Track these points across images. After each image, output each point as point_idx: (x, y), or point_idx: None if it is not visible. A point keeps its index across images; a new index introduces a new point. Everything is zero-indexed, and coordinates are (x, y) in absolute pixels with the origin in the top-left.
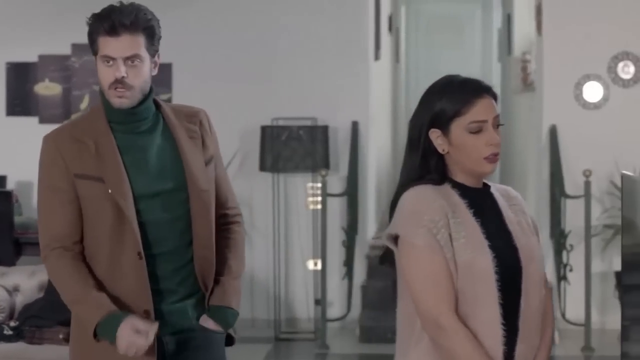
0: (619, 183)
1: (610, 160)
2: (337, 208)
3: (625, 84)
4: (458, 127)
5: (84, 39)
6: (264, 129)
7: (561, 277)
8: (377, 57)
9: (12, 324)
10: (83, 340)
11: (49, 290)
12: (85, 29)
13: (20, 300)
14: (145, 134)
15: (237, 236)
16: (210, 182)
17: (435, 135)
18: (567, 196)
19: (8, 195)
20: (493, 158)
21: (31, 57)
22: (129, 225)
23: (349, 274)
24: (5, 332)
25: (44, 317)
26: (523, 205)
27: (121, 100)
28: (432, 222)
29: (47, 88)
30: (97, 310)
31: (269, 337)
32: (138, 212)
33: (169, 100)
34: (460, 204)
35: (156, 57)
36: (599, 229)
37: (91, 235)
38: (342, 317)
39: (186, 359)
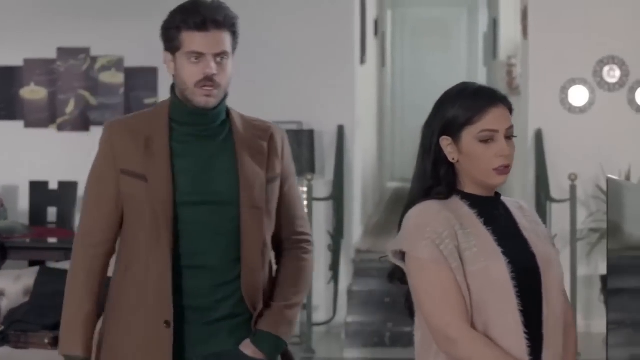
0: (604, 187)
1: (596, 164)
2: (322, 212)
3: (610, 88)
4: (469, 135)
5: (69, 42)
6: None
7: None
8: (363, 61)
9: None
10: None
11: (35, 294)
12: (71, 33)
13: (5, 304)
14: (206, 139)
15: (303, 263)
16: (270, 201)
17: (446, 143)
18: (553, 200)
19: None
20: (503, 170)
21: (17, 61)
22: (163, 232)
23: (335, 278)
24: None
25: (29, 321)
26: (534, 216)
27: (208, 99)
28: (435, 233)
29: (32, 92)
30: (69, 341)
31: None
32: (177, 219)
33: (154, 104)
34: (470, 214)
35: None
36: (584, 233)
37: (131, 236)
38: (328, 321)
39: None
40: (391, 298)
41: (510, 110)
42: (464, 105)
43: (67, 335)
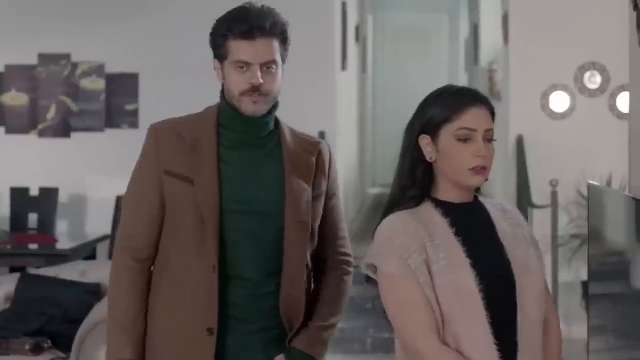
0: (585, 192)
1: (577, 170)
2: None
3: (591, 93)
4: (447, 133)
5: (50, 48)
6: None
7: None
8: (343, 67)
9: None
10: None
11: (15, 300)
12: (52, 39)
13: None
14: (254, 148)
15: (342, 284)
16: (314, 218)
17: (425, 141)
18: (534, 206)
19: None
20: (479, 170)
21: None
22: (209, 237)
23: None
24: None
25: (10, 327)
26: (518, 218)
27: (255, 107)
28: (403, 247)
29: (13, 98)
30: (118, 345)
31: None
32: (221, 226)
33: (135, 110)
34: (441, 223)
35: (284, 63)
36: (565, 239)
37: (171, 237)
38: None
39: None
40: (372, 304)
41: (492, 113)
42: (443, 103)
43: (115, 340)
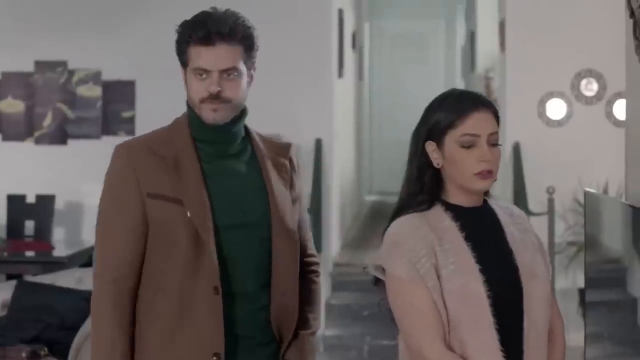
0: (582, 200)
1: (574, 177)
2: None
3: (588, 101)
4: (451, 139)
5: (47, 56)
6: None
7: None
8: (340, 74)
9: None
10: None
11: (12, 308)
12: (48, 46)
13: None
14: (231, 159)
15: (317, 288)
16: (296, 222)
17: (431, 148)
18: (531, 213)
19: None
20: (485, 174)
21: None
22: (208, 256)
23: None
24: None
25: (6, 335)
26: (526, 223)
27: (215, 115)
28: (413, 251)
29: (10, 105)
30: None
31: None
32: (216, 244)
33: (132, 118)
34: (451, 227)
35: (252, 70)
36: (562, 246)
37: (160, 263)
38: None
39: None
40: (369, 311)
41: (497, 116)
42: (446, 109)
43: None
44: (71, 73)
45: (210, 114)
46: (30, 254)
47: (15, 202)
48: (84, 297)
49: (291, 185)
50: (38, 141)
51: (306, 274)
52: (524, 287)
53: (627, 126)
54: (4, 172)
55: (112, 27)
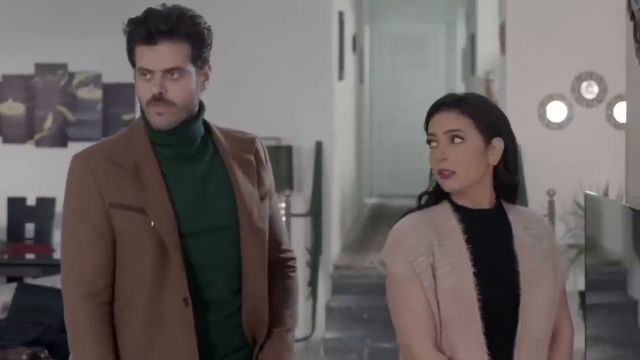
0: (582, 203)
1: (574, 180)
2: (301, 228)
3: (588, 103)
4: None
5: (47, 58)
6: None
7: None
8: (341, 77)
9: None
10: None
11: (12, 310)
12: (49, 48)
13: None
14: (193, 161)
15: (293, 284)
16: (265, 220)
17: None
18: None
19: None
20: (446, 174)
21: None
22: (174, 266)
23: (314, 293)
24: None
25: (7, 337)
26: (542, 230)
27: (161, 119)
28: (411, 249)
29: (10, 108)
30: None
31: None
32: (183, 251)
33: (132, 120)
34: (455, 229)
35: (206, 68)
36: (562, 249)
37: (127, 275)
38: (307, 337)
39: None
40: (370, 314)
41: (463, 110)
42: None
43: None
44: (71, 75)
45: (157, 119)
46: (30, 256)
47: (15, 204)
48: None
49: (259, 181)
50: (38, 144)
51: (281, 269)
52: (522, 294)
53: (627, 129)
54: (4, 174)
55: (113, 29)
